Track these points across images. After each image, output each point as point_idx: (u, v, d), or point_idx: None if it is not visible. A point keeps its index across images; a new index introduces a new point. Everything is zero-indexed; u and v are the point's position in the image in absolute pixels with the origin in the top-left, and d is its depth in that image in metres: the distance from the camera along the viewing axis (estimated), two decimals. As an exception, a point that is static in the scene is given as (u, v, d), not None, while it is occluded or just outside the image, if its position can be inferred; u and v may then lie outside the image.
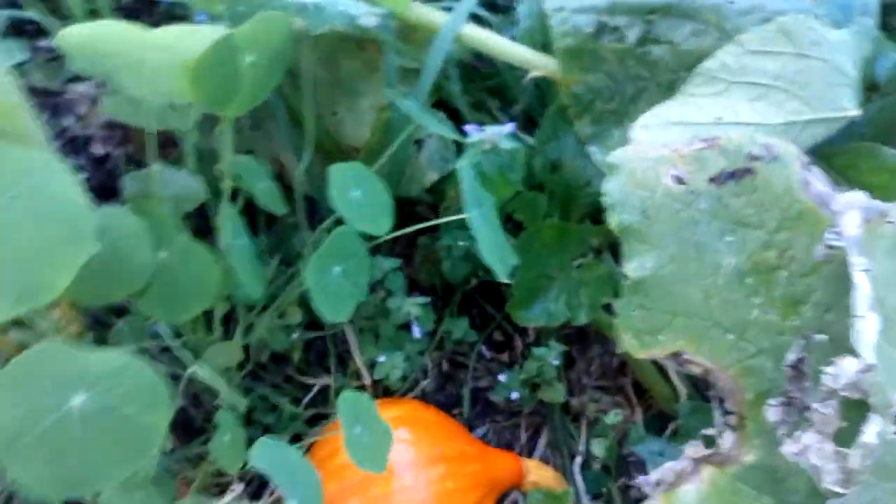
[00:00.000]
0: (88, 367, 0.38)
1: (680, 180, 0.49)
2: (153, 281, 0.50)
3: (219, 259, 0.53)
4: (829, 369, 0.39)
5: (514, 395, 0.72)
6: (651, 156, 0.50)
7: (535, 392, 0.73)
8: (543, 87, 0.80)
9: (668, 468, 0.47)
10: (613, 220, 0.50)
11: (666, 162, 0.49)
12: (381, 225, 0.61)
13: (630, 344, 0.50)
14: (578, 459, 0.75)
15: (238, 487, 0.55)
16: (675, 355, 0.49)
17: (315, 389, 0.75)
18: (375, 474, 0.57)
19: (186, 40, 0.46)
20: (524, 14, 0.77)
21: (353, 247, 0.58)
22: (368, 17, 0.68)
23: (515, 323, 0.78)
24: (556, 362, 0.70)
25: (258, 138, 0.77)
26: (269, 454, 0.46)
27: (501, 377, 0.73)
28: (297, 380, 0.76)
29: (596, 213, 0.81)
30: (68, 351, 0.38)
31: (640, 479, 0.49)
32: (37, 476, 0.36)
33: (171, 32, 0.48)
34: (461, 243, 0.74)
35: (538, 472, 0.68)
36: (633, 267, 0.50)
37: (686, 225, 0.49)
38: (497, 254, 0.58)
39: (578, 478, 0.73)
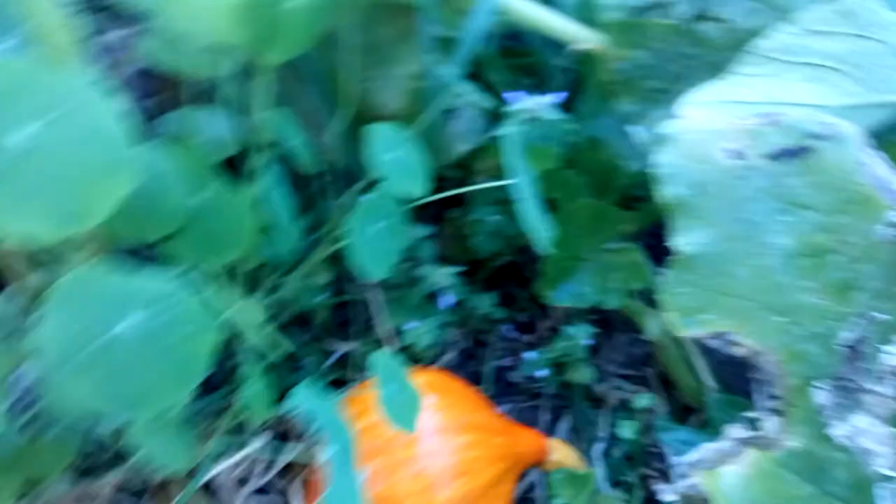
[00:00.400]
0: (139, 290, 0.37)
1: (736, 155, 0.47)
2: (186, 224, 0.49)
3: (252, 208, 0.52)
4: (889, 347, 0.37)
5: (541, 373, 0.70)
6: (706, 129, 0.48)
7: (561, 373, 0.72)
8: (580, 68, 0.79)
9: (708, 448, 0.45)
10: (665, 193, 0.49)
11: (721, 136, 0.48)
12: (419, 187, 0.59)
13: (674, 321, 0.49)
14: (600, 445, 0.74)
15: (265, 435, 0.55)
16: (720, 335, 0.48)
17: (338, 354, 0.74)
18: (401, 437, 0.56)
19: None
20: (569, -11, 0.76)
21: (391, 206, 0.57)
22: None
23: (542, 303, 0.77)
24: (586, 342, 0.69)
25: (292, 98, 0.75)
26: (309, 399, 0.45)
27: (528, 355, 0.71)
28: (315, 345, 0.75)
29: (629, 198, 0.80)
30: (120, 273, 0.37)
31: (675, 460, 0.48)
32: (86, 396, 0.35)
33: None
34: (492, 217, 0.73)
35: (562, 452, 0.67)
36: (684, 242, 0.48)
37: (740, 202, 0.47)
38: (537, 224, 0.57)
39: (599, 463, 0.72)
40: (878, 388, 0.37)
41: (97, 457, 0.57)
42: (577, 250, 0.73)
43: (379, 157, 0.57)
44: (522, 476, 0.70)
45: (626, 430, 0.68)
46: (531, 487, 0.72)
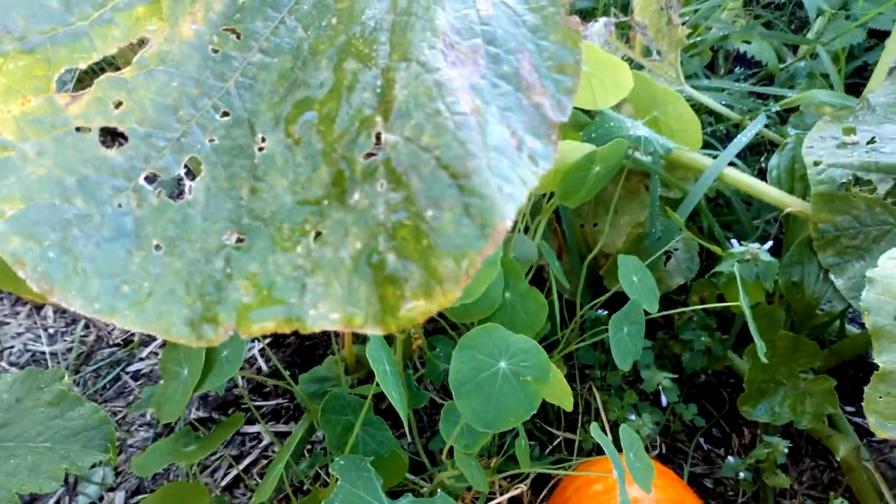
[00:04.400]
0: (509, 343, 0.57)
1: (931, 297, 0.62)
2: (499, 311, 0.70)
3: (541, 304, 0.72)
4: None
5: (742, 475, 0.82)
6: (905, 276, 0.64)
7: (757, 478, 0.83)
8: (784, 226, 0.96)
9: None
10: (869, 321, 0.63)
11: (918, 282, 0.63)
12: (652, 305, 0.78)
13: (874, 423, 0.62)
14: (790, 552, 0.83)
15: (522, 485, 0.71)
16: (917, 439, 0.60)
17: (559, 440, 0.90)
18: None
19: (569, 150, 0.68)
20: (774, 164, 0.95)
21: (636, 315, 0.75)
22: (643, 154, 0.89)
23: (735, 424, 0.90)
24: (786, 449, 0.80)
25: (553, 233, 0.99)
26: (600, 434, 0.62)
27: (728, 459, 0.84)
28: (545, 428, 0.92)
29: (822, 337, 0.93)
30: (498, 329, 0.58)
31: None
32: (470, 411, 0.54)
33: (562, 144, 0.70)
34: (702, 339, 0.89)
35: (758, 545, 0.77)
36: (884, 360, 0.62)
37: (934, 333, 0.61)
38: (755, 339, 0.73)
39: (789, 568, 0.81)
40: None
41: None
42: (775, 374, 0.86)
43: (626, 279, 0.77)
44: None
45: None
46: (725, 579, 0.82)
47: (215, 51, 0.27)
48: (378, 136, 0.24)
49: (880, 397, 0.62)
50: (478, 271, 0.64)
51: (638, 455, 0.68)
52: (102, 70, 0.28)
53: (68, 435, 0.54)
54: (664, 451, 0.94)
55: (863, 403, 0.64)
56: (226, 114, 0.26)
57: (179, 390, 0.59)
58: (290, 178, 0.25)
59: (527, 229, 0.83)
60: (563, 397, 0.63)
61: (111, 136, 0.25)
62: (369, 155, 0.24)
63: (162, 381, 0.63)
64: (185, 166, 0.25)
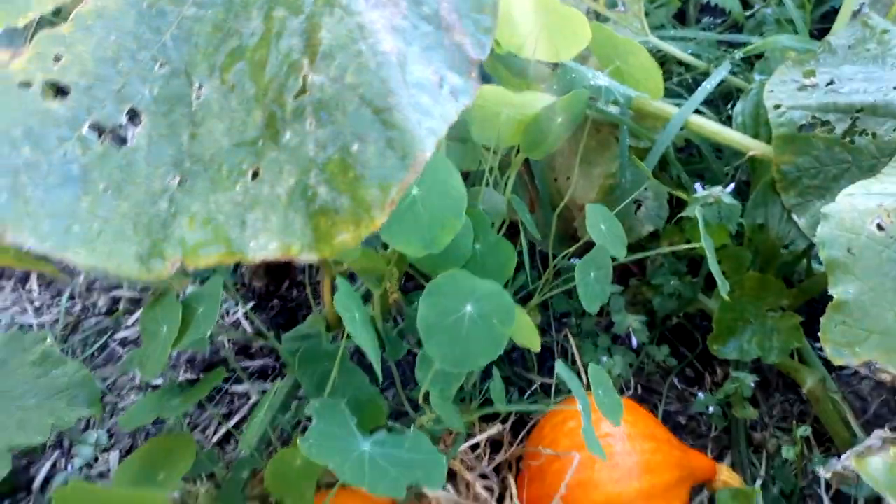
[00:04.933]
0: (475, 288, 0.59)
1: (881, 227, 0.64)
2: (469, 263, 0.73)
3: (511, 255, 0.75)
4: None
5: (711, 409, 0.86)
6: (858, 208, 0.66)
7: (727, 412, 0.87)
8: (749, 170, 0.98)
9: (859, 446, 0.60)
10: (823, 255, 0.66)
11: (870, 213, 0.65)
12: (619, 251, 0.80)
13: (831, 353, 0.65)
14: (759, 481, 0.87)
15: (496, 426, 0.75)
16: (868, 364, 0.63)
17: (536, 385, 0.94)
18: (603, 435, 0.74)
19: (531, 102, 0.70)
20: (739, 111, 0.97)
21: (604, 261, 0.77)
22: (606, 104, 0.90)
23: (706, 364, 0.93)
24: (752, 384, 0.84)
25: (524, 186, 1.00)
26: (564, 369, 0.64)
27: (699, 396, 0.87)
28: (523, 375, 0.95)
29: (789, 276, 0.96)
30: (465, 276, 0.60)
31: (832, 459, 0.63)
32: (439, 353, 0.57)
33: (523, 96, 0.72)
34: (671, 283, 0.92)
35: (728, 475, 0.81)
36: (838, 291, 0.65)
37: (885, 262, 0.64)
38: (718, 278, 0.75)
39: (759, 498, 0.84)
40: None
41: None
42: (744, 313, 0.89)
43: (594, 227, 0.79)
44: (691, 498, 0.84)
45: (787, 452, 0.80)
46: (698, 508, 0.86)
47: (150, 6, 0.28)
48: (305, 79, 0.26)
49: (835, 326, 0.65)
50: (442, 224, 0.66)
51: (607, 392, 0.71)
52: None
53: (53, 392, 0.56)
54: (639, 391, 0.97)
55: (819, 335, 0.67)
56: (163, 65, 0.27)
57: (159, 348, 0.61)
58: (227, 122, 0.26)
59: (496, 185, 0.85)
60: (531, 338, 0.66)
61: (54, 90, 0.27)
62: (298, 96, 0.26)
63: (143, 342, 0.65)
64: (128, 115, 0.27)
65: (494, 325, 0.58)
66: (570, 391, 0.91)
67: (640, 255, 0.82)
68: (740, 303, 0.89)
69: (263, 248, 0.25)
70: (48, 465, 0.94)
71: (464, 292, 0.59)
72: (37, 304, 1.10)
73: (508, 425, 0.89)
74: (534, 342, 0.67)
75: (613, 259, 0.79)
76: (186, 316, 0.61)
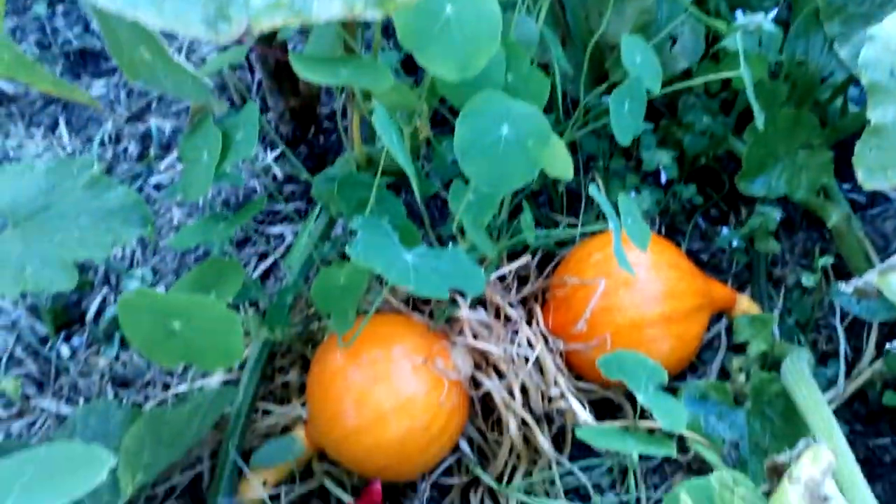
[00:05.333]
0: (511, 109, 0.59)
1: (929, 47, 0.62)
2: (505, 89, 0.72)
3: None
4: None
5: (735, 243, 0.88)
6: (906, 29, 0.64)
7: (750, 247, 0.89)
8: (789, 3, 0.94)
9: (882, 265, 0.62)
10: (865, 79, 0.65)
11: (919, 34, 0.63)
12: (654, 84, 0.79)
13: (862, 177, 0.65)
14: (776, 312, 0.90)
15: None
16: (900, 187, 0.64)
17: (563, 225, 0.96)
18: (623, 269, 0.76)
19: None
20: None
21: (639, 93, 0.76)
22: None
23: (733, 204, 0.94)
24: (776, 217, 0.85)
25: (558, 21, 0.97)
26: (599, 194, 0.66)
27: (723, 231, 0.89)
28: (551, 217, 0.97)
29: (823, 117, 0.95)
30: (501, 97, 0.60)
31: (853, 280, 0.65)
32: (475, 173, 0.58)
33: None
34: (703, 120, 0.91)
35: (746, 304, 0.85)
36: (877, 115, 0.64)
37: (928, 84, 0.63)
38: (754, 108, 0.74)
39: (775, 327, 0.88)
40: None
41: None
42: (775, 149, 0.89)
43: (629, 59, 0.77)
44: (709, 327, 0.88)
45: (807, 279, 0.83)
46: (717, 336, 0.90)
47: None
48: None
49: (870, 150, 0.65)
50: (477, 45, 0.65)
51: (635, 220, 0.72)
52: None
53: (107, 213, 0.58)
54: (663, 231, 0.99)
55: (853, 158, 0.67)
56: None
57: (202, 172, 0.63)
58: None
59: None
60: (564, 167, 0.67)
61: None
62: None
63: (184, 170, 0.67)
64: None
65: (529, 147, 0.59)
66: (595, 231, 0.93)
67: (674, 87, 0.81)
68: (772, 139, 0.88)
69: (327, 9, 0.25)
70: (98, 299, 1.00)
71: (500, 113, 0.59)
72: (68, 149, 1.12)
73: (535, 261, 0.92)
74: (566, 171, 0.68)
75: (648, 93, 0.78)
76: (226, 141, 0.62)
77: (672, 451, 0.60)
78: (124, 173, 1.09)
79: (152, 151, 1.11)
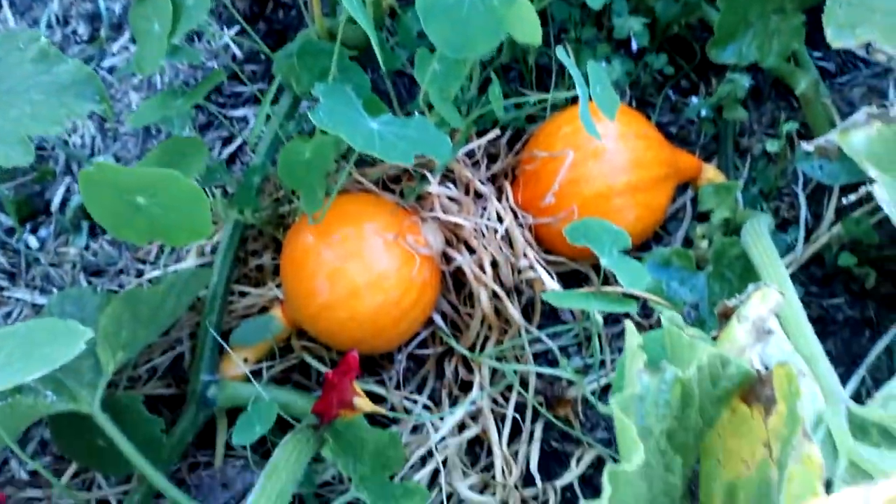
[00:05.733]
0: None
1: None
2: None
3: None
4: None
5: (703, 112, 0.88)
6: None
7: (719, 118, 0.89)
8: None
9: (844, 122, 0.63)
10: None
11: None
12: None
13: (831, 35, 0.64)
14: (741, 181, 0.91)
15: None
16: (866, 44, 0.63)
17: (533, 100, 0.94)
18: (593, 139, 0.76)
19: None
20: None
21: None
22: None
23: (708, 69, 0.93)
24: (746, 84, 0.85)
25: None
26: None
27: (693, 101, 0.89)
28: (517, 89, 0.95)
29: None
30: None
31: (815, 139, 0.65)
32: (439, 37, 0.56)
33: None
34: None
35: (713, 174, 0.86)
36: (847, -31, 0.63)
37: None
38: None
39: (739, 195, 0.90)
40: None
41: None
42: (747, 14, 0.87)
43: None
44: (676, 198, 0.89)
45: (771, 146, 0.84)
46: (683, 207, 0.92)
47: None
48: None
49: (840, 7, 0.64)
50: None
51: (604, 88, 0.72)
52: None
53: (59, 88, 0.56)
54: (633, 103, 0.98)
55: (822, 17, 0.66)
56: None
57: (154, 43, 0.60)
58: None
59: None
60: (532, 29, 0.65)
61: None
62: None
63: (137, 44, 0.64)
64: None
65: (495, 7, 0.57)
66: (565, 104, 0.92)
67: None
68: (745, 3, 0.86)
69: None
70: (62, 189, 0.98)
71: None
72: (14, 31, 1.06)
73: (506, 138, 0.91)
74: (534, 35, 0.66)
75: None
76: (177, 9, 0.59)
77: (633, 308, 0.62)
78: (76, 56, 1.04)
79: (103, 32, 1.05)
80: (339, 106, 0.52)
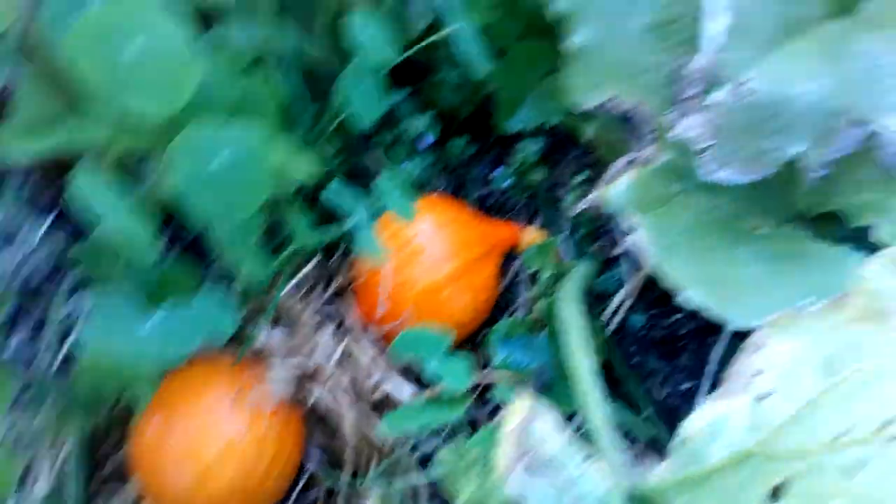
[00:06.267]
0: (226, 139, 0.58)
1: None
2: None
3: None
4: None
5: (507, 183, 0.92)
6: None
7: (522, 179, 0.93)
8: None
9: (607, 175, 0.67)
10: (556, 7, 0.68)
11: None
12: (391, 52, 0.79)
13: (577, 98, 0.69)
14: (564, 234, 0.95)
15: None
16: (611, 99, 0.69)
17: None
18: (411, 238, 0.78)
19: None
20: None
21: (373, 69, 0.77)
22: None
23: (504, 143, 0.98)
24: (536, 147, 0.90)
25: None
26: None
27: (497, 171, 0.93)
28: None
29: (554, 40, 0.99)
30: (213, 127, 0.57)
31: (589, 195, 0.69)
32: (204, 205, 0.56)
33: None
34: (453, 74, 0.93)
35: (532, 235, 0.89)
36: (574, 41, 0.68)
37: (605, 3, 0.67)
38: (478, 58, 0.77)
39: (565, 243, 0.93)
40: (691, 92, 0.57)
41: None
42: (522, 85, 0.92)
43: (356, 35, 0.77)
44: (508, 267, 0.92)
45: (571, 196, 0.89)
46: (517, 275, 0.94)
47: None
48: None
49: (579, 75, 0.70)
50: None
51: (397, 196, 0.74)
52: None
53: None
54: (450, 188, 1.01)
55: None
56: None
57: None
58: None
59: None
60: (307, 166, 0.66)
61: None
62: None
63: None
64: None
65: (250, 173, 0.57)
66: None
67: (411, 52, 0.81)
68: (516, 75, 0.92)
69: None
70: None
71: (215, 143, 0.57)
72: None
73: (339, 255, 0.91)
74: (313, 170, 0.67)
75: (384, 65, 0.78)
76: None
77: (461, 411, 0.63)
78: None
79: None
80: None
